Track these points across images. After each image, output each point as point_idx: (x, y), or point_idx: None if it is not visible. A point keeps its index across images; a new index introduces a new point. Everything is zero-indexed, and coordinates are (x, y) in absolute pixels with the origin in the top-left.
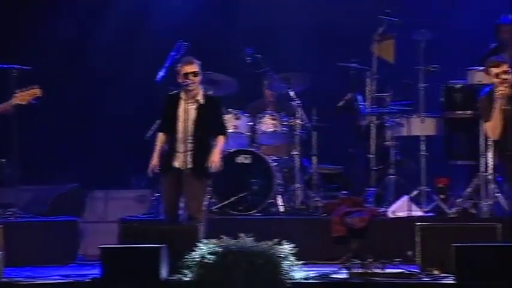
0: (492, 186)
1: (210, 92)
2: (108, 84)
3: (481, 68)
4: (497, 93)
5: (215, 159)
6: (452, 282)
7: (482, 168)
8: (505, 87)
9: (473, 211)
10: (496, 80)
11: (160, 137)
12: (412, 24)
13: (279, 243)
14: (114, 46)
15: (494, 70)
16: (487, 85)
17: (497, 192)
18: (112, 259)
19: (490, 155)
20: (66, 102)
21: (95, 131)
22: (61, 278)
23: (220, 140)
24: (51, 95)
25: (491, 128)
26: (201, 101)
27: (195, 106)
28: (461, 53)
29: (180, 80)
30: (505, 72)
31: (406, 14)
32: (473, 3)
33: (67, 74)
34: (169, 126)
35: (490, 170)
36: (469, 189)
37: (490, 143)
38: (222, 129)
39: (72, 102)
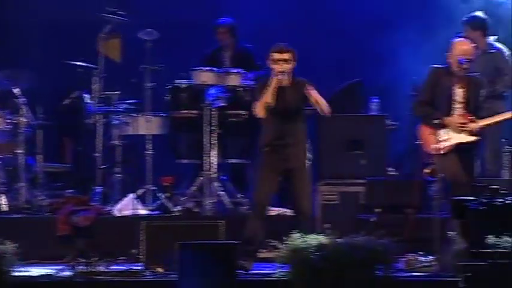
0: (215, 184)
1: None
2: None
3: (205, 68)
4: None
5: None
6: (175, 279)
7: (206, 167)
8: (279, 71)
9: (197, 209)
10: (274, 66)
11: None
12: (139, 24)
13: (1, 243)
14: None
15: (276, 56)
16: (212, 85)
17: (221, 191)
18: None
19: (214, 154)
20: None
21: None
22: None
23: None
24: None
25: (260, 105)
26: None
27: None
28: (187, 52)
29: None
30: (285, 61)
31: (132, 13)
32: (196, 3)
33: None
34: None
35: (214, 169)
36: (193, 188)
37: (214, 142)
38: None
39: None
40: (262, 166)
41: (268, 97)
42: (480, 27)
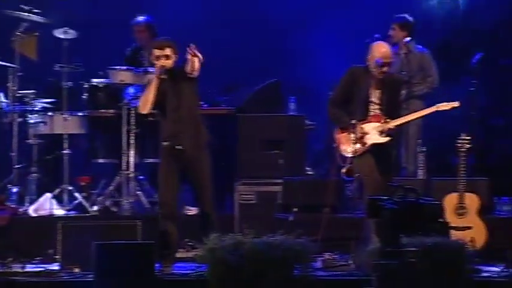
0: (133, 184)
1: None
2: None
3: (123, 67)
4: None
5: None
6: (91, 279)
7: (124, 167)
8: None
9: (114, 209)
10: (156, 62)
11: None
12: (56, 23)
13: None
14: None
15: (157, 52)
16: (130, 84)
17: (138, 190)
18: None
19: (131, 154)
20: None
21: None
22: None
23: None
24: None
25: (141, 102)
26: None
27: None
28: (104, 52)
29: None
30: (166, 56)
31: (49, 11)
32: (115, 2)
33: None
34: None
35: (132, 169)
36: (110, 188)
37: (131, 141)
38: None
39: None
40: (162, 164)
41: (149, 94)
42: (408, 28)
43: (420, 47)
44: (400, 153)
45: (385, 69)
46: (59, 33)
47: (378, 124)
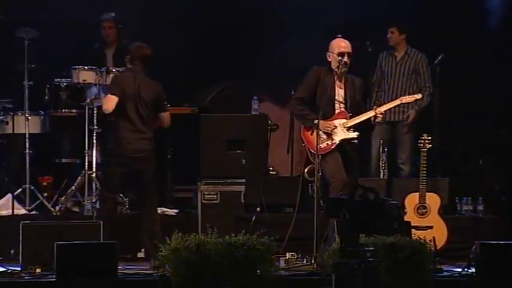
0: (96, 184)
1: None
2: None
3: (86, 67)
4: None
5: None
6: (53, 280)
7: (86, 166)
8: None
9: (76, 209)
10: None
11: None
12: (16, 22)
13: None
14: None
15: None
16: (92, 84)
17: None
18: None
19: (94, 153)
20: None
21: None
22: None
23: None
24: None
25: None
26: None
27: None
28: (68, 51)
29: None
30: None
31: (10, 10)
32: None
33: None
34: None
35: (94, 168)
36: (73, 187)
37: (94, 141)
38: None
39: None
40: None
41: None
42: (406, 31)
43: (416, 50)
44: (396, 155)
45: (346, 59)
46: (20, 33)
47: (344, 120)
